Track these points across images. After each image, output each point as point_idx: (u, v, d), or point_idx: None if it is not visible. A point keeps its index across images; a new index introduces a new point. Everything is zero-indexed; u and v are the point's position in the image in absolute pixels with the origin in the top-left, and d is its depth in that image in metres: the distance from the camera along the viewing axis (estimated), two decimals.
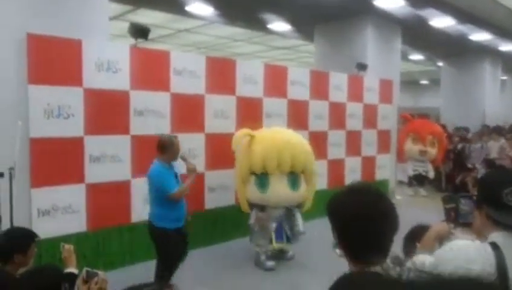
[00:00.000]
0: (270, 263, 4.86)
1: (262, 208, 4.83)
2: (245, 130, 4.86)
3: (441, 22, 9.07)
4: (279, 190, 4.73)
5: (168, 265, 3.89)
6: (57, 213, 4.29)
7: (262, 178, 4.71)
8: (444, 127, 10.99)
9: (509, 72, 17.27)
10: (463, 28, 9.77)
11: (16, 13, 4.20)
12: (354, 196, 1.33)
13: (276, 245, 4.91)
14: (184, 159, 4.04)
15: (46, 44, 4.17)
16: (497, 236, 1.43)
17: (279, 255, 5.08)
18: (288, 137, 4.91)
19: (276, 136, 4.85)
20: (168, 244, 3.84)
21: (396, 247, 1.92)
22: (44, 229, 4.15)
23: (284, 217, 4.93)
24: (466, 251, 1.42)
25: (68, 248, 2.44)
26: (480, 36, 10.58)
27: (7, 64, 4.09)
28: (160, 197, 3.78)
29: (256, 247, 4.95)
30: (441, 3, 7.89)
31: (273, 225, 4.83)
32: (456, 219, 1.77)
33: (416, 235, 1.95)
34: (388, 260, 1.34)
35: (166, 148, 3.89)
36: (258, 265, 4.93)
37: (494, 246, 1.40)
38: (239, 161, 4.93)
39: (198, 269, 4.77)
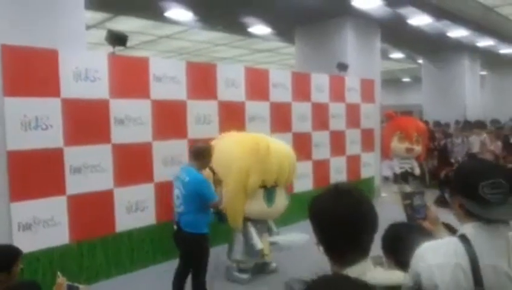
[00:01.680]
0: (245, 276, 4.67)
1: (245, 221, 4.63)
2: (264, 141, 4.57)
3: (419, 20, 9.21)
4: (282, 202, 4.69)
5: (205, 271, 3.84)
6: (39, 227, 4.21)
7: (271, 191, 4.56)
8: (426, 123, 11.13)
9: (488, 67, 17.62)
10: (440, 25, 9.93)
11: None
12: (335, 197, 1.34)
13: (269, 239, 4.80)
14: (212, 170, 3.99)
15: (21, 55, 4.10)
16: (468, 227, 1.45)
17: (261, 269, 4.86)
18: (287, 147, 4.86)
19: (280, 147, 4.70)
20: (206, 248, 3.84)
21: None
22: (25, 243, 4.06)
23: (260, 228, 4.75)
24: (437, 247, 1.43)
25: (61, 282, 2.30)
26: (457, 33, 10.76)
27: None
28: (201, 204, 3.73)
29: (234, 262, 4.71)
30: (418, 2, 8.01)
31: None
32: (413, 215, 1.83)
33: (395, 234, 1.97)
34: (369, 260, 1.35)
35: (204, 155, 3.86)
36: (232, 280, 4.69)
37: (463, 238, 1.41)
38: (243, 173, 4.40)
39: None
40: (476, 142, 9.33)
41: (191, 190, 3.71)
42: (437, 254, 1.40)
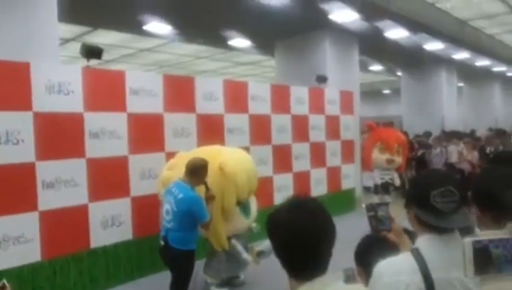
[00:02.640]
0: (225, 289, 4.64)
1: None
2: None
3: (396, 33, 9.41)
4: (255, 207, 4.66)
5: (187, 283, 3.78)
6: (8, 244, 4.07)
7: (246, 204, 4.52)
8: (406, 134, 11.28)
9: (465, 79, 18.06)
10: (417, 38, 10.16)
11: None
12: (289, 210, 1.32)
13: (256, 249, 4.74)
14: (206, 186, 3.89)
15: None
16: (422, 240, 1.45)
17: (230, 282, 4.78)
18: (246, 155, 4.82)
19: (241, 159, 4.62)
20: (191, 264, 3.80)
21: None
22: None
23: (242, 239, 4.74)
24: (392, 264, 1.43)
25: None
26: (433, 46, 11.02)
27: None
28: (191, 222, 3.67)
29: (210, 278, 4.63)
30: (393, 15, 8.19)
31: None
32: (377, 226, 1.82)
33: (366, 246, 1.96)
34: (330, 273, 1.33)
35: (199, 172, 3.76)
36: None
37: (415, 252, 1.41)
38: (218, 199, 4.16)
39: None
40: (454, 152, 9.49)
41: (184, 208, 3.63)
42: (392, 272, 1.40)
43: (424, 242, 1.43)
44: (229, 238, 4.49)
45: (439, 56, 12.52)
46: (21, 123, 4.19)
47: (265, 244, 4.70)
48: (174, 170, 4.39)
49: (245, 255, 4.47)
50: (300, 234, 1.25)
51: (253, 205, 4.69)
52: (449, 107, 14.24)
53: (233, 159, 4.46)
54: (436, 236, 1.41)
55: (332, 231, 1.32)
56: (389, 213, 1.84)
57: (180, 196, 3.65)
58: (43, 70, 4.36)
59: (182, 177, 3.80)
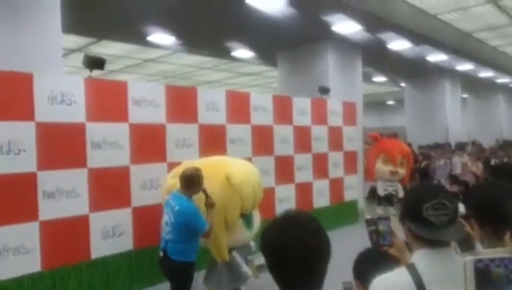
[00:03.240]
0: None
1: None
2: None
3: (399, 44, 9.43)
4: (258, 220, 4.61)
5: None
6: (8, 254, 4.07)
7: (249, 216, 4.46)
8: (410, 145, 11.23)
9: (469, 90, 18.03)
10: (420, 50, 10.17)
11: None
12: (284, 227, 1.30)
13: (256, 263, 4.69)
14: (206, 193, 3.85)
15: None
16: (417, 255, 1.43)
17: None
18: (252, 168, 4.76)
19: (248, 171, 4.55)
20: (190, 275, 3.78)
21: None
22: None
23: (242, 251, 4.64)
24: (387, 279, 1.41)
25: None
26: (436, 57, 11.03)
27: None
28: (190, 233, 3.66)
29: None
30: (396, 27, 8.22)
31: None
32: (378, 241, 1.78)
33: (364, 260, 1.93)
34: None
35: (193, 183, 3.75)
36: None
37: (411, 267, 1.39)
38: (222, 210, 4.11)
39: None
40: (458, 163, 9.43)
41: (181, 220, 3.63)
42: (387, 287, 1.38)
43: (419, 257, 1.41)
44: (230, 250, 4.46)
45: (442, 67, 12.52)
46: (23, 133, 4.21)
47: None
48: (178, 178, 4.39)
49: (245, 268, 4.42)
50: (294, 250, 1.23)
51: (257, 218, 4.64)
52: (453, 118, 14.20)
53: (240, 170, 4.43)
54: (431, 251, 1.40)
55: (327, 247, 1.30)
56: (390, 227, 1.80)
57: (177, 208, 3.65)
58: (45, 80, 4.40)
59: (179, 189, 3.79)
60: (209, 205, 3.84)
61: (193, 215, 3.65)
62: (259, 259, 4.64)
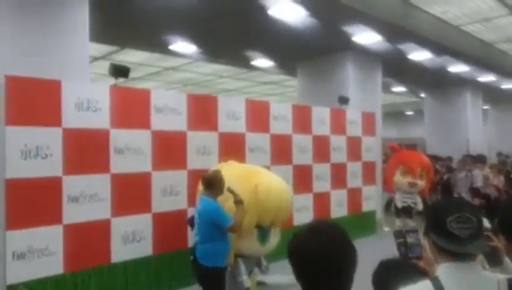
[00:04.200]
0: None
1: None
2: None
3: (419, 55, 9.37)
4: (275, 240, 4.58)
5: None
6: (33, 256, 4.18)
7: (266, 231, 4.46)
8: (430, 158, 11.11)
9: (490, 102, 17.72)
10: (441, 60, 10.08)
11: None
12: (312, 237, 1.33)
13: (258, 278, 4.70)
14: (231, 191, 3.98)
15: (24, 86, 4.20)
16: (441, 268, 1.43)
17: None
18: (285, 186, 4.71)
19: (279, 187, 4.54)
20: (220, 282, 3.80)
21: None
22: (19, 273, 4.09)
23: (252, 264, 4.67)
24: None
25: None
26: (458, 68, 10.91)
27: None
28: (216, 232, 3.75)
29: None
30: (417, 38, 8.18)
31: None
32: (407, 253, 1.78)
33: (384, 270, 1.94)
34: None
35: (214, 184, 3.92)
36: None
37: (435, 280, 1.40)
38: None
39: None
40: (479, 176, 9.26)
41: (204, 218, 3.79)
42: None
43: (443, 270, 1.41)
44: (236, 256, 4.46)
45: (463, 78, 12.36)
46: (50, 138, 4.34)
47: (272, 278, 4.66)
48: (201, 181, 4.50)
49: (244, 278, 4.38)
50: (321, 260, 1.27)
51: (274, 238, 4.59)
52: (474, 130, 13.96)
53: (271, 183, 4.50)
54: (455, 264, 1.40)
55: (354, 257, 1.33)
56: (419, 240, 1.79)
57: (200, 207, 3.85)
58: (73, 88, 4.53)
59: (203, 192, 3.97)
60: (238, 202, 3.93)
61: (214, 211, 3.76)
62: (265, 277, 4.63)
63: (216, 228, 3.75)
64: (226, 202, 4.02)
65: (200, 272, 3.81)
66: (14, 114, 4.13)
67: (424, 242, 1.74)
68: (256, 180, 4.40)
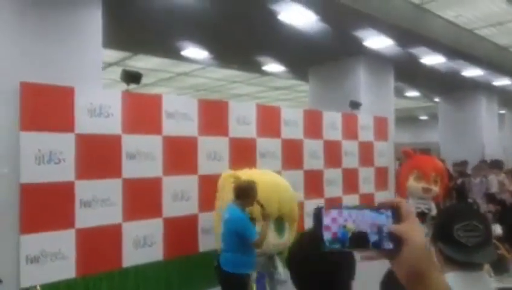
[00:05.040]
0: None
1: None
2: (230, 173, 4.72)
3: (432, 59, 9.28)
4: (290, 238, 4.59)
5: None
6: (46, 260, 4.24)
7: (281, 223, 4.56)
8: (443, 162, 10.94)
9: (506, 106, 17.42)
10: (454, 65, 9.96)
11: (9, 62, 4.35)
12: (308, 242, 1.33)
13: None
14: (261, 205, 3.93)
15: (39, 92, 4.28)
16: (447, 278, 1.41)
17: None
18: (277, 180, 4.85)
19: (265, 179, 4.69)
20: (242, 288, 3.78)
21: None
22: (32, 276, 4.14)
23: (264, 265, 4.60)
24: None
25: None
26: (472, 72, 10.76)
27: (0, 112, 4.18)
28: (240, 243, 3.70)
29: None
30: (429, 42, 8.10)
31: (254, 274, 4.49)
32: None
33: (391, 279, 1.91)
34: None
35: (246, 194, 3.85)
36: None
37: None
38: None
39: None
40: (494, 181, 9.11)
41: (230, 228, 3.73)
42: None
43: (450, 280, 1.38)
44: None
45: (478, 82, 12.19)
46: (63, 144, 4.40)
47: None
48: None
49: (280, 270, 4.39)
50: (317, 265, 1.26)
51: (289, 234, 4.67)
52: (489, 135, 13.73)
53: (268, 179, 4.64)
54: (461, 273, 1.37)
55: (353, 265, 1.32)
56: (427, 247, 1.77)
57: (227, 216, 3.77)
58: (86, 94, 4.60)
59: (233, 200, 3.89)
60: (265, 216, 3.89)
61: (242, 223, 3.70)
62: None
63: (240, 239, 3.69)
64: (253, 214, 3.98)
65: (222, 278, 3.79)
66: (28, 120, 4.20)
67: (432, 250, 1.72)
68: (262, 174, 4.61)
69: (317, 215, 0.77)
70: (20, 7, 4.49)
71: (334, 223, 0.76)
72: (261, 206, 3.92)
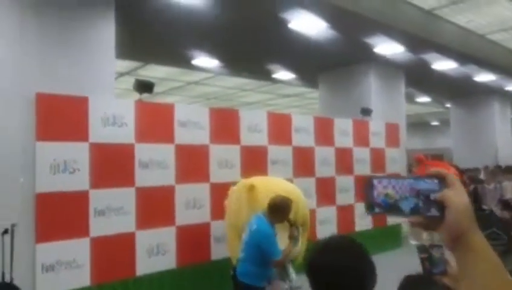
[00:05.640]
0: None
1: None
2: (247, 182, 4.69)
3: (443, 64, 9.23)
4: (303, 246, 4.51)
5: None
6: (61, 268, 4.28)
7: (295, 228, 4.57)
8: (457, 168, 10.83)
9: None
10: (466, 70, 9.89)
11: (26, 73, 4.44)
12: (331, 251, 1.33)
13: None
14: (292, 223, 3.82)
15: (54, 102, 4.36)
16: None
17: None
18: (290, 188, 4.83)
19: (282, 187, 4.70)
20: None
21: None
22: (48, 285, 4.18)
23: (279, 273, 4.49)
24: None
25: None
26: (484, 77, 10.67)
27: (16, 122, 4.26)
28: (260, 257, 3.60)
29: None
30: (440, 47, 8.07)
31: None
32: (431, 269, 1.73)
33: (409, 286, 1.90)
34: None
35: (279, 210, 3.71)
36: None
37: None
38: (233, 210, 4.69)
39: None
40: (509, 188, 8.97)
41: (254, 239, 3.61)
42: None
43: None
44: None
45: (491, 87, 12.09)
46: (78, 153, 4.46)
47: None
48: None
49: (293, 277, 4.34)
50: (341, 275, 1.26)
51: (302, 241, 4.56)
52: (503, 140, 13.57)
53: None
54: None
55: (373, 273, 1.32)
56: (444, 255, 1.75)
57: (255, 227, 3.64)
58: (99, 103, 4.67)
59: (264, 212, 3.76)
60: (292, 236, 3.76)
61: (268, 239, 3.56)
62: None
63: (261, 253, 3.58)
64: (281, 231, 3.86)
65: (238, 288, 3.72)
66: (43, 130, 4.28)
67: (450, 258, 1.69)
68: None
69: (368, 183, 0.84)
70: (38, 22, 4.59)
71: (378, 191, 0.83)
72: (291, 225, 3.79)
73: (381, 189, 0.80)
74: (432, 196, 0.75)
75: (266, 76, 10.70)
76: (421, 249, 1.84)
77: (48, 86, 4.40)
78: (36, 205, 4.19)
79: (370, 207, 0.81)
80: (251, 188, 4.61)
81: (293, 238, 3.74)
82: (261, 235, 3.58)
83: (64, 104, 4.42)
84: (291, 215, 4.26)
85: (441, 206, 0.76)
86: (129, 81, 9.75)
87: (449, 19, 7.90)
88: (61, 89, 4.44)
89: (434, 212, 0.75)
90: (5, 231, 3.65)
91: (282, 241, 3.95)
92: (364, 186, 0.83)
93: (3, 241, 3.68)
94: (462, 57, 8.81)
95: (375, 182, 0.80)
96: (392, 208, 0.79)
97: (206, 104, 14.25)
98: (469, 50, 8.59)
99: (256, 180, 4.92)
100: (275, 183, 4.90)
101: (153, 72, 10.16)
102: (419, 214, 0.79)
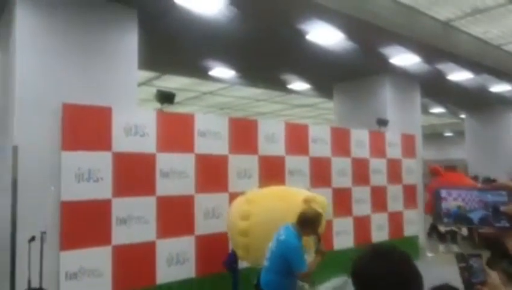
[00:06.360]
0: None
1: None
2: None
3: (459, 75, 9.20)
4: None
5: None
6: (84, 276, 4.33)
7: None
8: (475, 179, 10.72)
9: None
10: (482, 80, 9.84)
11: (53, 84, 4.55)
12: (378, 259, 1.35)
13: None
14: (319, 238, 3.75)
15: (79, 112, 4.45)
16: None
17: None
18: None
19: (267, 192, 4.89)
20: None
21: None
22: None
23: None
24: None
25: None
26: (500, 87, 10.61)
27: (43, 132, 4.36)
28: (285, 268, 3.57)
29: None
30: (456, 58, 8.05)
31: None
32: (470, 278, 1.73)
33: None
34: None
35: (309, 223, 3.68)
36: None
37: None
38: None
39: None
40: None
41: (281, 250, 3.59)
42: None
43: None
44: None
45: (507, 98, 11.99)
46: (101, 162, 4.54)
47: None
48: (252, 204, 4.58)
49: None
50: (389, 283, 1.28)
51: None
52: None
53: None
54: None
55: (420, 282, 1.33)
56: (482, 265, 1.74)
57: (283, 237, 3.61)
58: (122, 114, 4.75)
59: (294, 223, 3.72)
60: (320, 250, 3.71)
61: (294, 251, 3.54)
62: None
63: (287, 265, 3.55)
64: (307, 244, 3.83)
65: None
66: (69, 139, 4.37)
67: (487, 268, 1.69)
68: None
69: (437, 194, 0.87)
70: (64, 33, 4.71)
71: (447, 202, 0.88)
72: (319, 240, 3.74)
73: (452, 200, 0.83)
74: (502, 208, 0.78)
75: (281, 86, 10.76)
76: (460, 258, 1.84)
77: (73, 96, 4.50)
78: (61, 213, 4.26)
79: (438, 218, 0.84)
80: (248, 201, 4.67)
81: (318, 253, 3.69)
82: (288, 246, 3.55)
83: (88, 114, 4.52)
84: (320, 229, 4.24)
85: (511, 217, 0.78)
86: (146, 91, 9.89)
87: (465, 30, 7.89)
88: (86, 99, 4.54)
89: (504, 223, 0.77)
90: (32, 239, 3.71)
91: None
92: (433, 198, 0.86)
93: (29, 249, 3.75)
94: (477, 68, 8.78)
95: (443, 193, 0.83)
96: (461, 218, 0.82)
97: (219, 114, 14.35)
98: (485, 61, 8.56)
99: (271, 188, 4.98)
100: (294, 192, 4.88)
101: (169, 82, 10.29)
102: (488, 225, 0.81)
